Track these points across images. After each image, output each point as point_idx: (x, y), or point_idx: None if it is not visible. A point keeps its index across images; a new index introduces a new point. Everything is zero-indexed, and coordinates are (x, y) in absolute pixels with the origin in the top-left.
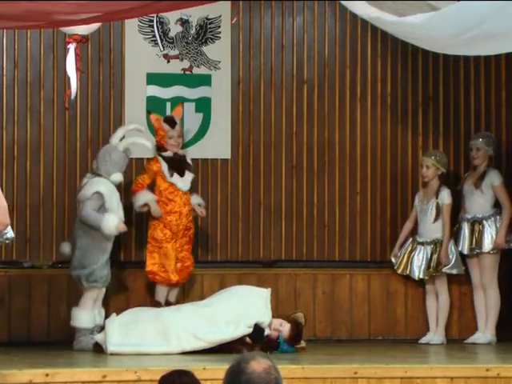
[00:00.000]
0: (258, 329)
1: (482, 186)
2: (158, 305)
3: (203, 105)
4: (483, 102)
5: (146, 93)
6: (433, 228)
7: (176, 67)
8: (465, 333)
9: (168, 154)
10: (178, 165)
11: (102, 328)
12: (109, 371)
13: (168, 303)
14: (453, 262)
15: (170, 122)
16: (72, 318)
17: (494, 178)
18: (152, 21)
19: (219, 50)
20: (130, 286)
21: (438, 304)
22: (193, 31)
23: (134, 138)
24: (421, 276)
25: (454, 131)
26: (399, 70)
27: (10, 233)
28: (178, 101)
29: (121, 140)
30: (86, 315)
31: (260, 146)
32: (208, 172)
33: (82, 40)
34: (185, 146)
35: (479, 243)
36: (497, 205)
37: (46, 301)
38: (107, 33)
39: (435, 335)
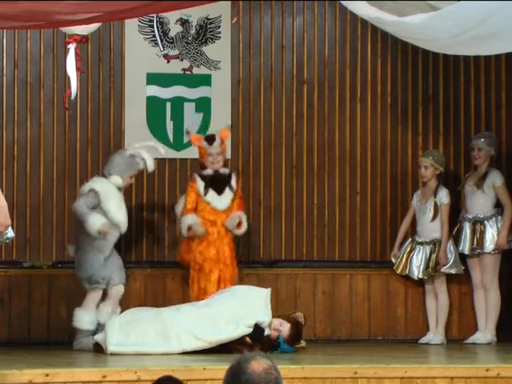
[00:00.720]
0: (258, 329)
1: (484, 186)
2: None
3: (203, 105)
4: (483, 101)
5: (146, 93)
6: (431, 228)
7: (176, 67)
8: (465, 333)
9: (208, 172)
10: (216, 183)
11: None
12: (109, 371)
13: None
14: (451, 261)
15: (209, 139)
16: (74, 318)
17: (496, 179)
18: (152, 21)
19: (219, 50)
20: (130, 286)
21: (437, 304)
22: (193, 31)
23: (147, 142)
24: (420, 276)
25: (454, 131)
26: (399, 70)
27: (10, 233)
28: (178, 101)
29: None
30: (88, 316)
31: (260, 146)
32: None
33: (82, 40)
34: (185, 146)
35: (480, 243)
36: (498, 205)
37: (46, 301)
38: (107, 33)
39: (435, 335)
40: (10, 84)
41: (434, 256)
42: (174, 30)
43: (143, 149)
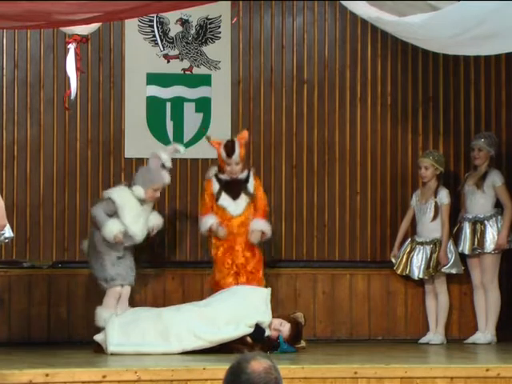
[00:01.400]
0: (258, 329)
1: (484, 186)
2: None
3: (203, 105)
4: (483, 102)
5: (146, 93)
6: (431, 228)
7: (176, 67)
8: (465, 333)
9: (225, 176)
10: (231, 187)
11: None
12: (109, 371)
13: None
14: (452, 261)
15: (228, 149)
16: (96, 317)
17: (496, 179)
18: (152, 21)
19: (219, 50)
20: None
21: (437, 304)
22: (193, 31)
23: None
24: (420, 276)
25: (454, 131)
26: (399, 70)
27: (8, 232)
28: (178, 101)
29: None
30: (109, 314)
31: (260, 146)
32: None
33: (82, 40)
34: (185, 146)
35: (481, 243)
36: (498, 205)
37: (46, 301)
38: (107, 33)
39: (435, 335)
40: (9, 84)
41: (434, 256)
42: (174, 30)
43: (165, 153)
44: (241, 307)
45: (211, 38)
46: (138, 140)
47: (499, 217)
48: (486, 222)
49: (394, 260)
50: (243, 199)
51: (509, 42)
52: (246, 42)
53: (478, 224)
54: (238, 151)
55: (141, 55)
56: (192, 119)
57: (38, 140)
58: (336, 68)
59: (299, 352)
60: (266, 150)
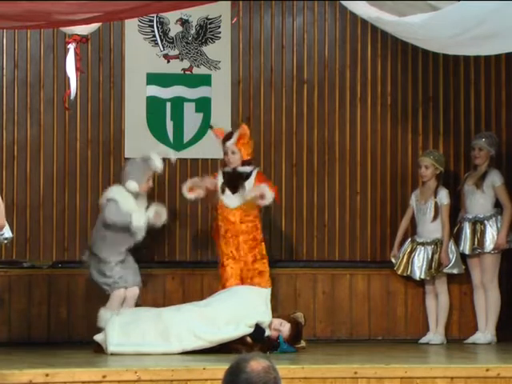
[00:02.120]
0: (258, 329)
1: (484, 186)
2: None
3: (203, 105)
4: (483, 102)
5: (146, 93)
6: (432, 228)
7: (176, 67)
8: (465, 333)
9: (227, 169)
10: (231, 180)
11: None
12: (109, 371)
13: None
14: (453, 261)
15: (225, 137)
16: (98, 318)
17: (496, 179)
18: (152, 21)
19: (219, 50)
20: None
21: (437, 304)
22: (193, 31)
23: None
24: (422, 276)
25: (454, 131)
26: (399, 70)
27: (7, 233)
28: (178, 101)
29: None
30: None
31: (260, 146)
32: (208, 172)
33: (82, 40)
34: (185, 146)
35: (481, 243)
36: (497, 204)
37: (46, 301)
38: (107, 33)
39: (435, 335)
40: (9, 84)
41: (436, 256)
42: (174, 30)
43: (153, 152)
44: (241, 307)
45: (211, 38)
46: (138, 140)
47: (499, 217)
48: (485, 221)
49: (393, 260)
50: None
51: (509, 41)
52: (246, 42)
53: (477, 224)
54: (234, 140)
55: (141, 55)
56: (192, 119)
57: (38, 140)
58: (336, 68)
59: (299, 352)
60: (266, 149)
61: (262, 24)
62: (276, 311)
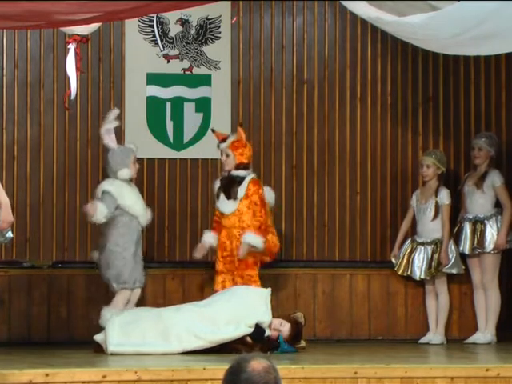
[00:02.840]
0: (258, 329)
1: (484, 186)
2: None
3: (203, 105)
4: (483, 102)
5: (146, 93)
6: (432, 227)
7: (176, 67)
8: (465, 333)
9: (224, 173)
10: (225, 185)
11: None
12: (109, 371)
13: None
14: (452, 261)
15: (221, 140)
16: (101, 317)
17: (496, 179)
18: (152, 21)
19: (219, 50)
20: None
21: (437, 304)
22: (193, 31)
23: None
24: (422, 276)
25: (454, 131)
26: (399, 70)
27: (9, 233)
28: (178, 101)
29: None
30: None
31: (260, 146)
32: (208, 172)
33: (82, 40)
34: (185, 146)
35: (481, 243)
36: (498, 204)
37: (45, 301)
38: (107, 33)
39: (435, 335)
40: (10, 84)
41: (435, 256)
42: (174, 30)
43: (106, 133)
44: (241, 307)
45: (211, 38)
46: (137, 140)
47: (499, 217)
48: (485, 221)
49: (394, 260)
50: (235, 199)
51: (509, 41)
52: (246, 42)
53: (478, 224)
54: (228, 143)
55: (141, 55)
56: (192, 119)
57: (38, 140)
58: (336, 68)
59: (299, 352)
60: (265, 149)
61: (261, 24)
62: (276, 311)
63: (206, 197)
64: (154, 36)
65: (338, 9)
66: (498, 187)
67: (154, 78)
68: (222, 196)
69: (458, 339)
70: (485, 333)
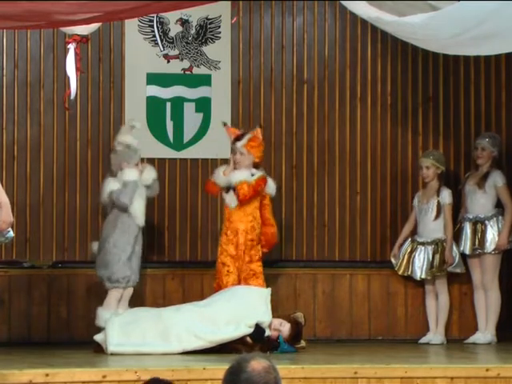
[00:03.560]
0: (258, 329)
1: (486, 186)
2: None
3: (203, 105)
4: (483, 102)
5: (146, 93)
6: (433, 228)
7: (176, 67)
8: (465, 333)
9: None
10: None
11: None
12: (109, 371)
13: None
14: (456, 260)
15: (236, 137)
16: (97, 317)
17: (498, 179)
18: (152, 21)
19: (219, 50)
20: None
21: (437, 304)
22: (193, 31)
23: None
24: (423, 276)
25: (454, 131)
26: (399, 70)
27: (10, 232)
28: (178, 101)
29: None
30: (109, 314)
31: None
32: (208, 172)
33: (82, 40)
34: (185, 146)
35: (481, 243)
36: (498, 205)
37: (45, 301)
38: (107, 33)
39: (435, 335)
40: (10, 84)
41: (437, 256)
42: (174, 30)
43: (123, 134)
44: (241, 307)
45: (211, 38)
46: (137, 140)
47: (500, 217)
48: (486, 222)
49: (393, 260)
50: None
51: (509, 41)
52: (246, 42)
53: (478, 224)
54: (245, 141)
55: (141, 55)
56: (192, 119)
57: (38, 140)
58: (336, 68)
59: (299, 352)
60: (266, 149)
61: (262, 24)
62: (276, 311)
63: (206, 197)
64: (154, 36)
65: (338, 9)
66: (500, 188)
67: (153, 78)
68: (231, 191)
69: (458, 339)
70: (485, 333)
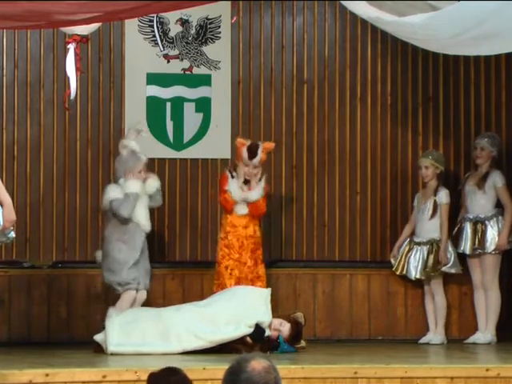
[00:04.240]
0: (258, 329)
1: (485, 186)
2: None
3: (203, 105)
4: (483, 102)
5: (146, 93)
6: (429, 227)
7: (176, 67)
8: (465, 333)
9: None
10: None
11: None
12: (109, 371)
13: None
14: (451, 261)
15: (251, 151)
16: (107, 317)
17: (497, 179)
18: (152, 21)
19: (219, 49)
20: None
21: (434, 304)
22: (193, 31)
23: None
24: (417, 276)
25: (454, 131)
26: (399, 70)
27: (12, 233)
28: (178, 101)
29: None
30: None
31: None
32: (208, 172)
33: (82, 40)
34: (185, 146)
35: (482, 243)
36: (498, 205)
37: (45, 301)
38: (107, 33)
39: (435, 335)
40: (10, 84)
41: (431, 256)
42: (174, 29)
43: (129, 138)
44: (241, 307)
45: (211, 38)
46: (137, 140)
47: (500, 217)
48: (486, 222)
49: (393, 261)
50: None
51: (509, 41)
52: (246, 42)
53: (478, 224)
54: (260, 157)
55: (141, 55)
56: (192, 119)
57: (38, 140)
58: (336, 68)
59: (299, 352)
60: None
61: (262, 24)
62: (276, 311)
63: (206, 197)
64: (154, 36)
65: (338, 9)
66: (500, 188)
67: (153, 78)
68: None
69: (458, 339)
70: (485, 333)
